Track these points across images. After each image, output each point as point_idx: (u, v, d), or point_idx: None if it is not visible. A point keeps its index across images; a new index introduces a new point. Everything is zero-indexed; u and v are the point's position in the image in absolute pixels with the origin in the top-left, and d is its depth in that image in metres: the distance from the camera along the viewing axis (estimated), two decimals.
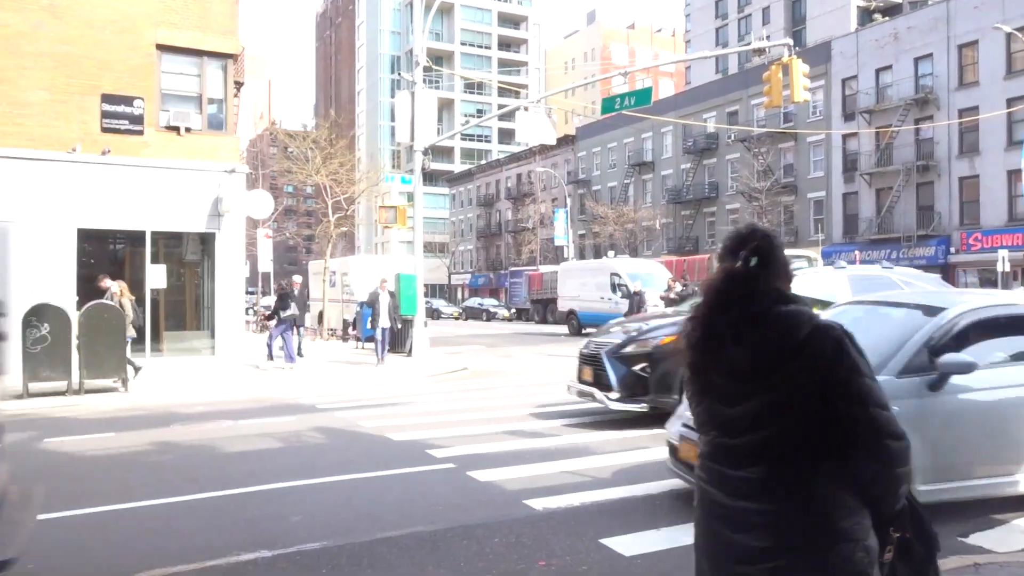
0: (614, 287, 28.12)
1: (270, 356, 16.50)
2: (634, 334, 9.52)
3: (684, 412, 5.94)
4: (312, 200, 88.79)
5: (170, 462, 7.78)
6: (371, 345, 18.57)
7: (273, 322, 16.67)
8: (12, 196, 15.12)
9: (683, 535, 4.64)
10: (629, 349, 9.22)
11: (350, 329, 24.65)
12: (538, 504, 6.04)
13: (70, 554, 5.15)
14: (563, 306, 32.42)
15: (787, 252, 2.24)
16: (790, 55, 17.14)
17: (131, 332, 13.48)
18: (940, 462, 5.11)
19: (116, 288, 13.55)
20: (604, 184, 60.30)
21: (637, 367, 8.99)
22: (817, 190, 43.45)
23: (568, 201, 53.60)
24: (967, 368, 5.12)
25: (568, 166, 63.81)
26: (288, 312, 16.13)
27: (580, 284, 30.85)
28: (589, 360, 9.66)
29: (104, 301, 12.85)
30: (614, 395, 9.06)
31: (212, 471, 7.35)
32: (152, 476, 7.14)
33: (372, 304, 17.98)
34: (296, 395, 12.80)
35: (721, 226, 48.31)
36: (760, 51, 40.32)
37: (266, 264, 34.25)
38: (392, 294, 18.08)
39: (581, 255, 55.65)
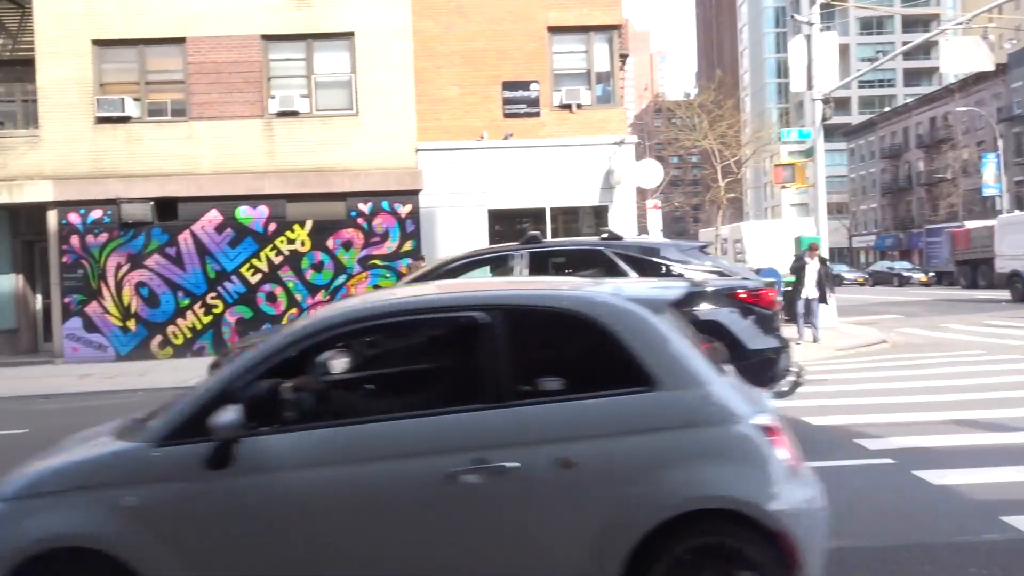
0: None
1: None
2: None
3: None
4: (698, 168, 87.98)
5: None
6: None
7: None
8: (434, 183, 16.92)
9: None
10: None
11: None
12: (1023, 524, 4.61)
13: None
14: (1002, 267, 27.20)
15: None
16: None
17: None
18: None
19: (405, 267, 15.27)
20: None
21: None
22: None
23: (999, 143, 45.20)
24: (226, 430, 2.96)
25: (997, 102, 53.80)
26: None
27: None
28: None
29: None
30: None
31: None
32: None
33: (797, 271, 15.22)
34: None
35: None
36: None
37: (656, 235, 34.50)
38: (824, 261, 15.42)
39: (1020, 205, 46.66)
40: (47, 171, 16.49)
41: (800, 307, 14.85)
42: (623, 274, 6.98)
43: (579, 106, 17.12)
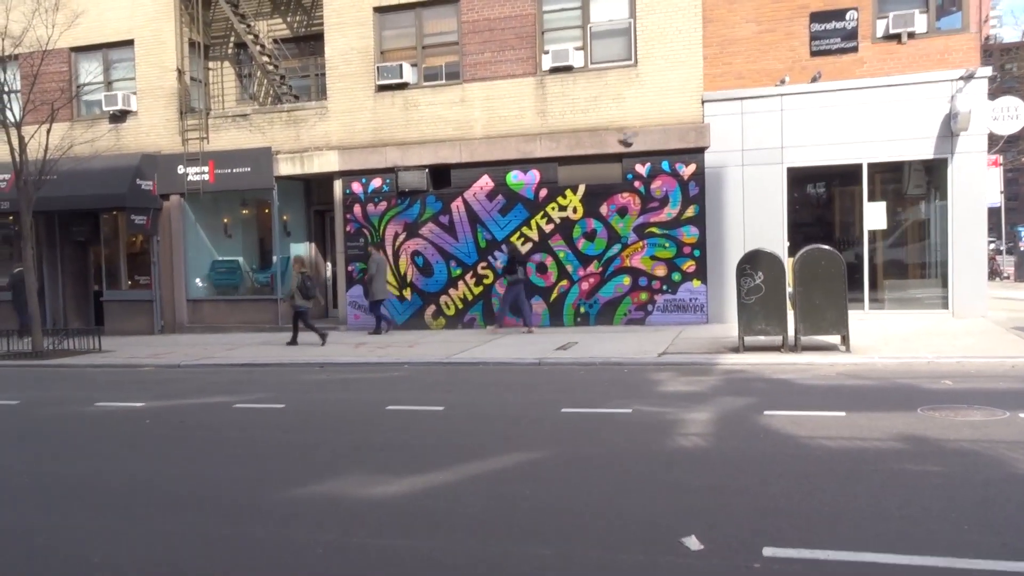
0: None
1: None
2: None
3: None
4: None
5: (938, 481, 5.36)
6: None
7: None
8: (723, 139, 14.61)
9: None
10: None
11: None
12: None
13: None
14: None
15: None
16: None
17: (298, 300, 14.78)
18: None
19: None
20: None
21: None
22: None
23: None
24: None
25: None
26: (515, 275, 14.82)
27: None
28: None
29: (821, 246, 11.08)
30: None
31: (1018, 518, 4.63)
32: (921, 505, 4.84)
33: None
34: None
35: None
36: None
37: (994, 197, 28.59)
38: None
39: None
40: (333, 141, 16.86)
41: None
42: None
43: (911, 35, 13.72)
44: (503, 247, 15.64)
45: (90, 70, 18.66)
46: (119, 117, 18.33)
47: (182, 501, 5.60)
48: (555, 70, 15.44)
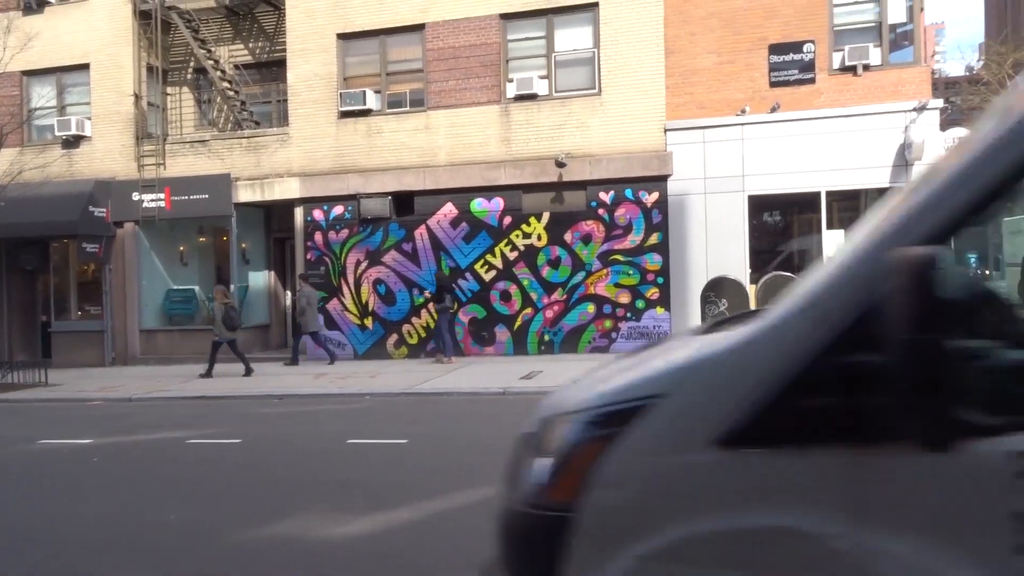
0: None
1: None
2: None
3: None
4: None
5: None
6: None
7: None
8: (685, 167, 14.75)
9: None
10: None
11: None
12: None
13: None
14: None
15: None
16: None
17: (224, 333, 14.43)
18: None
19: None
20: None
21: None
22: None
23: None
24: None
25: None
26: (443, 303, 14.71)
27: None
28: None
29: (780, 272, 11.19)
30: None
31: None
32: None
33: None
34: None
35: None
36: None
37: None
38: None
39: None
40: (295, 168, 16.64)
41: None
42: None
43: (866, 67, 14.05)
44: (437, 276, 15.45)
45: (43, 94, 18.21)
46: (72, 142, 17.89)
47: (134, 546, 5.30)
48: (520, 98, 15.47)
